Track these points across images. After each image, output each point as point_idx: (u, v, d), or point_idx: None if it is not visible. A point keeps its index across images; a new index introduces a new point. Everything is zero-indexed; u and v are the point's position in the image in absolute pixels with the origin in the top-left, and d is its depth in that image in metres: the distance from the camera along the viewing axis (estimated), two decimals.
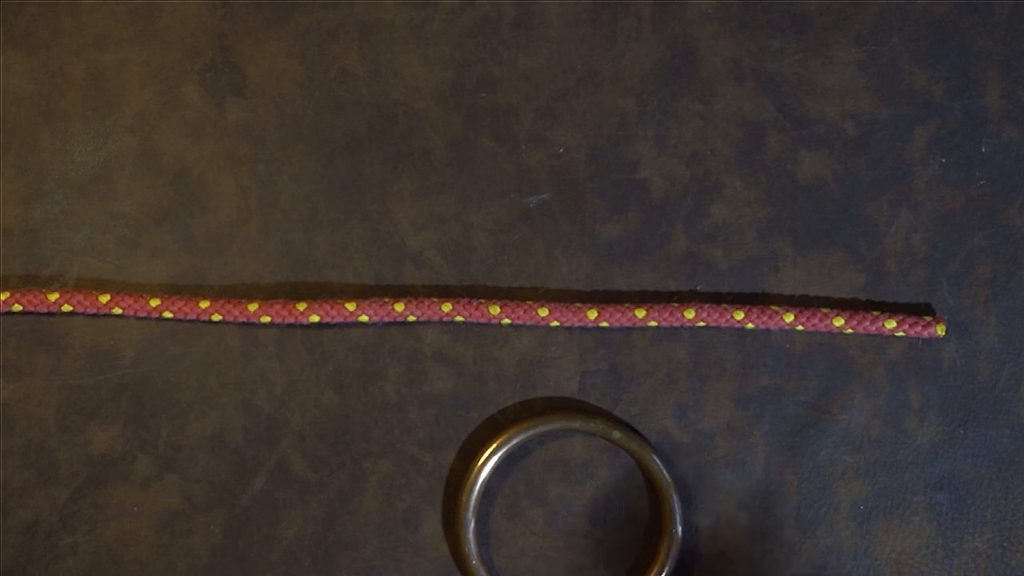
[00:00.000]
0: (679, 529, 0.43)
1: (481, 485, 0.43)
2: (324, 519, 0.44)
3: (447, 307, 0.43)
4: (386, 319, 0.43)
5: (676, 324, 0.43)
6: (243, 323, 0.44)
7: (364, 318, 0.43)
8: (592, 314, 0.43)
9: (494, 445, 0.43)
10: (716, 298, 0.44)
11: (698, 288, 0.44)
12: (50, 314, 0.44)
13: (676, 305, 0.43)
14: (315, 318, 0.43)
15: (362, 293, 0.44)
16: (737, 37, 0.44)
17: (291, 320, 0.43)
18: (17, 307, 0.43)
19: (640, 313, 0.43)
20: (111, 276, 0.44)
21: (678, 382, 0.44)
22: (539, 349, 0.44)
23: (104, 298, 0.43)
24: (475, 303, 0.43)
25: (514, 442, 0.43)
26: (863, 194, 0.44)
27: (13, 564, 0.44)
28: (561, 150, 0.44)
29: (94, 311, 0.43)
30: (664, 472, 0.43)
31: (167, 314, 0.43)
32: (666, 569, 0.43)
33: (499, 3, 0.45)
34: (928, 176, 0.44)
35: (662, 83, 0.44)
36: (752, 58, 0.44)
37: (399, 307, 0.43)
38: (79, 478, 0.44)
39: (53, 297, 0.43)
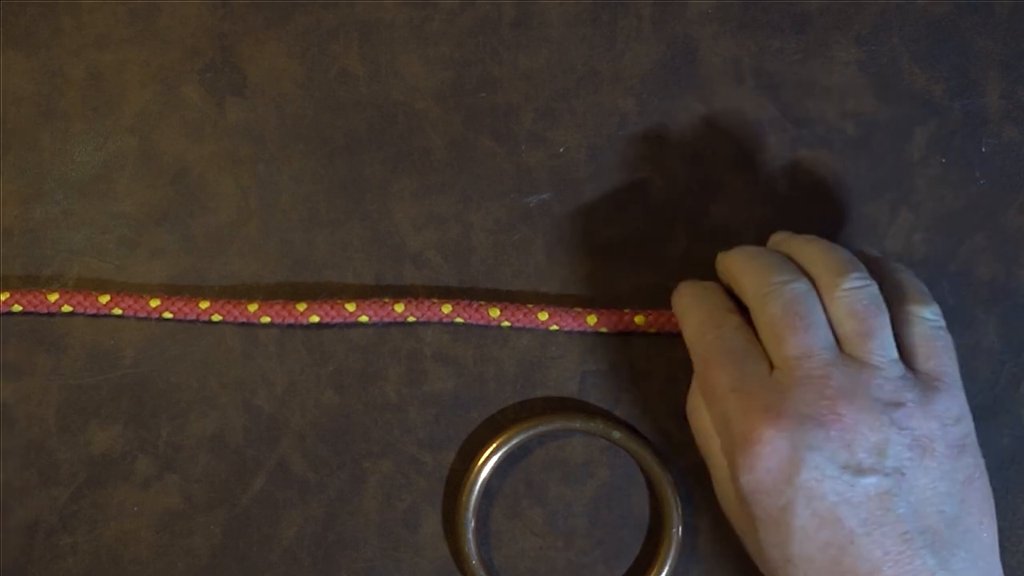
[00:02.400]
0: (679, 529, 0.43)
1: (481, 485, 0.43)
2: (324, 519, 0.44)
3: (447, 308, 0.43)
4: (386, 319, 0.43)
5: (674, 331, 0.43)
6: (243, 323, 0.44)
7: (364, 318, 0.43)
8: (592, 319, 0.43)
9: (494, 445, 0.43)
10: None
11: None
12: (50, 314, 0.44)
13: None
14: (315, 318, 0.43)
15: (362, 293, 0.44)
16: (737, 37, 0.44)
17: (291, 320, 0.43)
18: (17, 307, 0.43)
19: (640, 319, 0.43)
20: (111, 276, 0.44)
21: (678, 382, 0.44)
22: (539, 349, 0.44)
23: (104, 298, 0.43)
24: (475, 305, 0.43)
25: (514, 442, 0.43)
26: (863, 194, 0.44)
27: (13, 564, 0.44)
28: (561, 150, 0.44)
29: (94, 311, 0.43)
30: (664, 472, 0.43)
31: (167, 314, 0.43)
32: (666, 569, 0.43)
33: (499, 3, 0.45)
34: (928, 176, 0.44)
35: (662, 83, 0.44)
36: (752, 58, 0.44)
37: (399, 308, 0.43)
38: (79, 478, 0.44)
39: (53, 297, 0.43)
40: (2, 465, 0.44)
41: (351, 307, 0.43)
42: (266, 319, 0.43)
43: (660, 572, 0.43)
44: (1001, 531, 0.43)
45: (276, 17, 0.45)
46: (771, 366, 0.36)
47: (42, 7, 0.45)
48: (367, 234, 0.44)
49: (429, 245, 0.44)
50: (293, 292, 0.44)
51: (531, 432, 0.43)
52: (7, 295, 0.43)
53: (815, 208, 0.44)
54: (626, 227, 0.44)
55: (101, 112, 0.45)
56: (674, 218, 0.44)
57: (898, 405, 0.34)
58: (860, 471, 0.34)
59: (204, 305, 0.43)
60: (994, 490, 0.43)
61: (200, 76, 0.45)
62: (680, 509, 0.43)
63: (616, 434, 0.43)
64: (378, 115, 0.45)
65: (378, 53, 0.45)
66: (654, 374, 0.44)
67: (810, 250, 0.38)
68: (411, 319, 0.43)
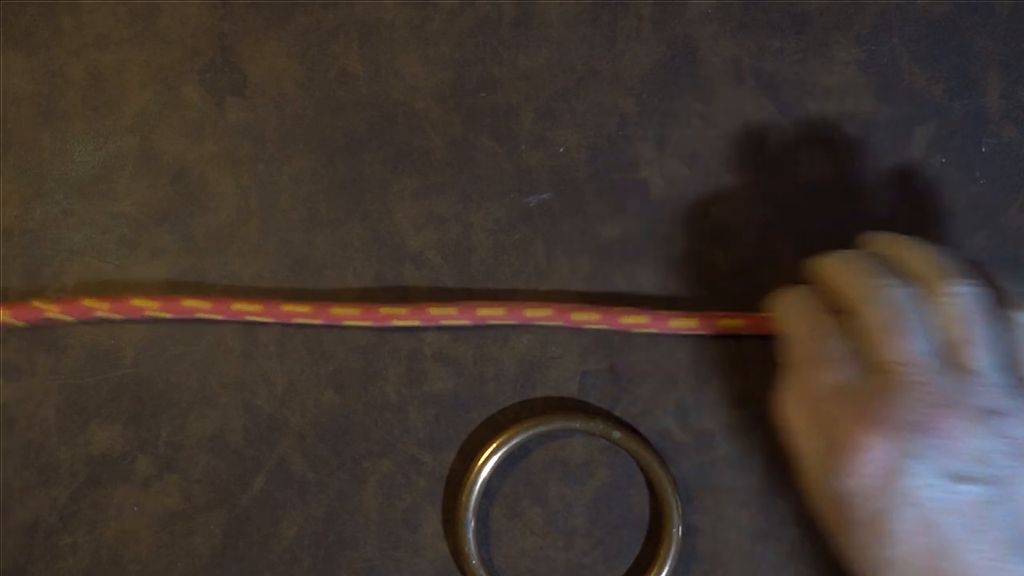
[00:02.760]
0: (679, 529, 0.43)
1: (481, 485, 0.43)
2: (324, 519, 0.44)
3: (546, 312, 0.43)
4: (479, 323, 0.43)
5: (771, 333, 0.43)
6: (245, 322, 0.44)
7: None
8: (690, 322, 0.43)
9: (494, 445, 0.43)
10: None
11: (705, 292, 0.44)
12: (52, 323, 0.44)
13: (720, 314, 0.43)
14: (414, 323, 0.43)
15: (365, 295, 0.44)
16: (737, 37, 0.44)
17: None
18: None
19: (736, 323, 0.43)
20: (111, 276, 0.44)
21: (678, 382, 0.44)
22: (539, 349, 0.44)
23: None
24: (568, 307, 0.43)
25: (514, 442, 0.43)
26: (863, 194, 0.44)
27: (13, 564, 0.44)
28: (561, 150, 0.44)
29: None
30: (664, 472, 0.43)
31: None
32: (666, 569, 0.43)
33: (499, 3, 0.45)
34: (928, 176, 0.44)
35: (662, 83, 0.44)
36: (752, 58, 0.44)
37: (492, 311, 0.43)
38: (79, 478, 0.44)
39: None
40: (2, 465, 0.44)
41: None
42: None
43: (660, 572, 0.43)
44: None
45: (276, 17, 0.45)
46: (871, 370, 0.36)
47: (42, 7, 0.45)
48: (367, 234, 0.44)
49: (429, 245, 0.44)
50: (293, 292, 0.44)
51: (531, 432, 0.43)
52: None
53: (815, 208, 0.44)
54: (626, 227, 0.44)
55: (101, 112, 0.45)
56: (674, 218, 0.44)
57: (1000, 413, 0.34)
58: (961, 479, 0.34)
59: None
60: None
61: (200, 76, 0.45)
62: (680, 509, 0.43)
63: (616, 434, 0.43)
64: (378, 115, 0.45)
65: (378, 53, 0.45)
66: (654, 374, 0.44)
67: (911, 253, 0.38)
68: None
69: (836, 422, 0.35)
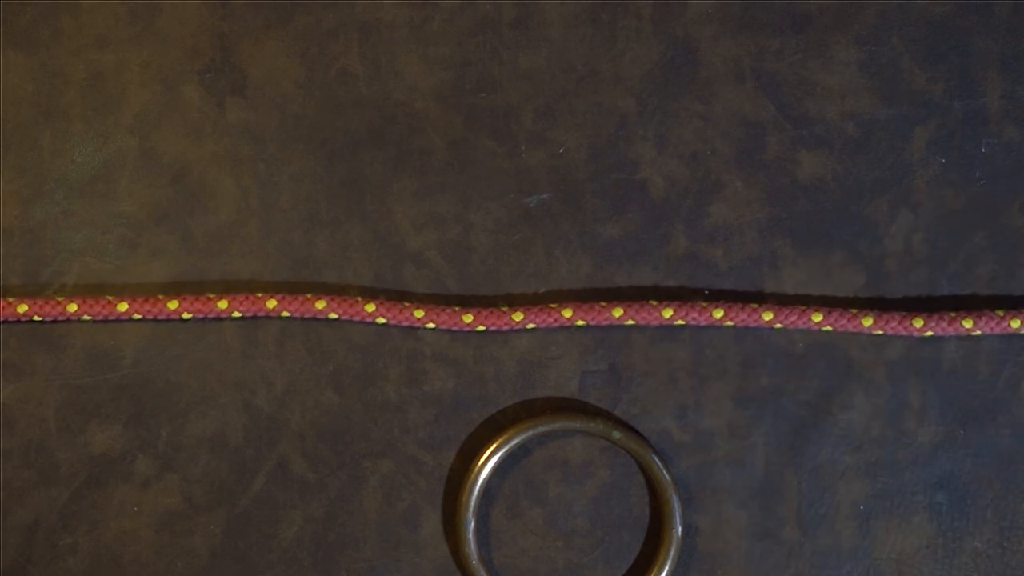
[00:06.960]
0: (679, 529, 0.43)
1: (481, 485, 0.43)
2: (324, 519, 0.44)
3: (719, 313, 0.43)
4: (602, 322, 0.43)
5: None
6: (262, 317, 0.44)
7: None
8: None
9: (494, 445, 0.43)
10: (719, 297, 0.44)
11: (706, 292, 0.44)
12: (67, 321, 0.44)
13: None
14: (420, 314, 0.43)
15: (364, 294, 0.44)
16: (737, 37, 0.44)
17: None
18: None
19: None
20: (111, 276, 0.44)
21: (678, 382, 0.44)
22: (539, 349, 0.44)
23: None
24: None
25: (514, 442, 0.43)
26: (863, 194, 0.44)
27: (13, 564, 0.44)
28: (561, 150, 0.44)
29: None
30: (664, 472, 0.43)
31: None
32: (666, 569, 0.43)
33: (499, 3, 0.45)
34: (928, 176, 0.44)
35: (662, 83, 0.44)
36: (752, 58, 0.44)
37: (617, 312, 0.43)
38: (79, 478, 0.44)
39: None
40: (2, 465, 0.44)
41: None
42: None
43: (660, 572, 0.43)
44: (1001, 531, 0.44)
45: (276, 17, 0.45)
46: None
47: (42, 7, 0.45)
48: (367, 234, 0.44)
49: (429, 245, 0.44)
50: (293, 292, 0.44)
51: (531, 432, 0.43)
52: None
53: (815, 208, 0.44)
54: (626, 227, 0.44)
55: (101, 112, 0.45)
56: (674, 218, 0.44)
57: None
58: None
59: (371, 308, 0.43)
60: (994, 490, 0.44)
61: (200, 76, 0.45)
62: (680, 509, 0.43)
63: (616, 434, 0.43)
64: (378, 115, 0.45)
65: (378, 53, 0.45)
66: (654, 374, 0.44)
67: None
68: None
69: None
